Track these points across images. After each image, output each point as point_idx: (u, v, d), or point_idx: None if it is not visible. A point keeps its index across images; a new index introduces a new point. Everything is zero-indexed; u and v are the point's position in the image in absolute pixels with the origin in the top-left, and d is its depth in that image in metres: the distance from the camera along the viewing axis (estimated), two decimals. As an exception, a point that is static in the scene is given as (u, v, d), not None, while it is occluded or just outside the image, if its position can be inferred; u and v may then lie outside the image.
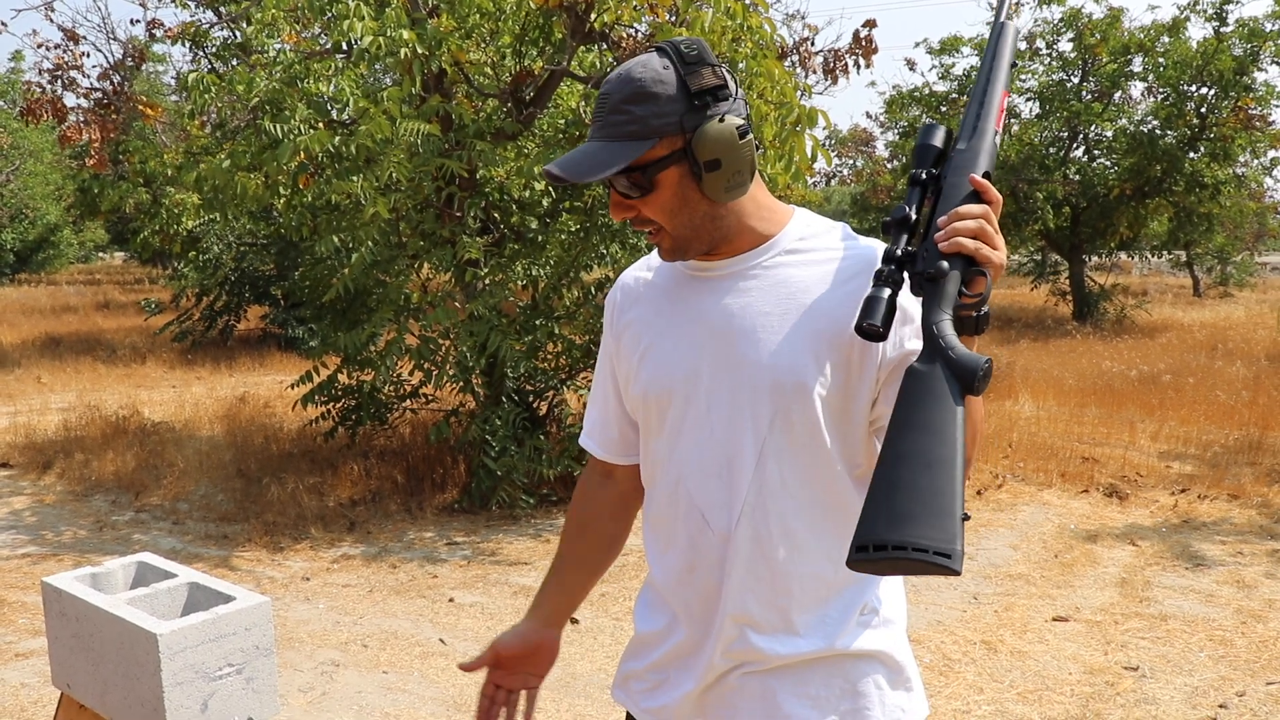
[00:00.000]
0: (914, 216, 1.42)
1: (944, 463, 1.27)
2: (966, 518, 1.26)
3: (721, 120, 1.46)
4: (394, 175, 5.97)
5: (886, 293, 1.37)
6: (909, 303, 1.50)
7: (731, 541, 1.55)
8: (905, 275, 1.40)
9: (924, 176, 1.44)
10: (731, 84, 1.49)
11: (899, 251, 1.40)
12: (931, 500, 1.25)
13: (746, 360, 1.54)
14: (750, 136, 1.49)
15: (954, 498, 1.25)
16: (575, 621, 4.97)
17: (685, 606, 1.63)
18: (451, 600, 5.33)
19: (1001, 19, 1.54)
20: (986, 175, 1.42)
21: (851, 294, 1.52)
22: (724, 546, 1.56)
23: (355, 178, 5.99)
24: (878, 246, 1.58)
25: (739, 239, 1.57)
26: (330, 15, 6.40)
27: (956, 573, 1.22)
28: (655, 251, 1.68)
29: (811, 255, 1.57)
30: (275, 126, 6.02)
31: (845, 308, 1.52)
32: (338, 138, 5.93)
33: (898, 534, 1.24)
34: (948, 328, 1.34)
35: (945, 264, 1.36)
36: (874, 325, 1.36)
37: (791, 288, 1.55)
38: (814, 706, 1.57)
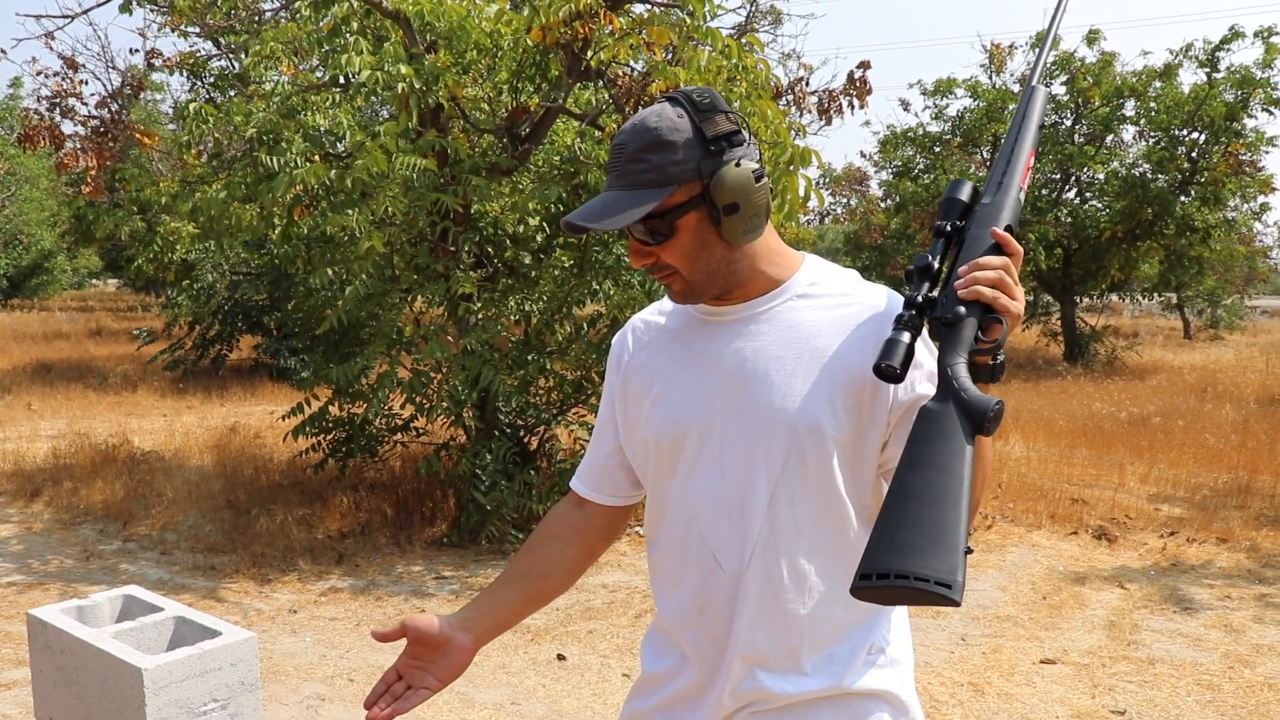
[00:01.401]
0: (936, 265, 1.45)
1: (950, 498, 1.31)
2: (969, 551, 1.29)
3: (738, 165, 1.50)
4: (389, 209, 5.99)
5: (906, 337, 1.40)
6: (922, 349, 1.53)
7: (743, 582, 1.57)
8: (924, 321, 1.43)
9: (949, 228, 1.48)
10: (745, 129, 1.53)
11: (920, 298, 1.43)
12: (936, 533, 1.28)
13: (760, 403, 1.56)
14: (766, 180, 1.53)
15: (958, 532, 1.28)
16: (562, 659, 4.96)
17: (695, 646, 1.63)
18: (438, 635, 5.30)
19: (1034, 83, 1.58)
20: (1009, 229, 1.45)
21: (862, 339, 1.55)
22: (735, 587, 1.57)
23: (351, 211, 6.01)
24: (886, 292, 1.61)
25: (751, 283, 1.60)
26: (328, 49, 6.45)
27: (956, 603, 1.25)
28: (666, 296, 1.70)
29: (823, 301, 1.60)
30: (271, 159, 6.05)
31: (857, 352, 1.55)
32: (334, 171, 5.96)
33: (901, 564, 1.27)
34: (962, 370, 1.38)
35: (963, 309, 1.39)
36: (892, 367, 1.39)
37: (803, 332, 1.58)
38: None
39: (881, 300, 1.59)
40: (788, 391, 1.55)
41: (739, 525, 1.57)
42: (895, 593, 1.28)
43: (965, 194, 1.49)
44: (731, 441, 1.58)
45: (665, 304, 1.74)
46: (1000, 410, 1.35)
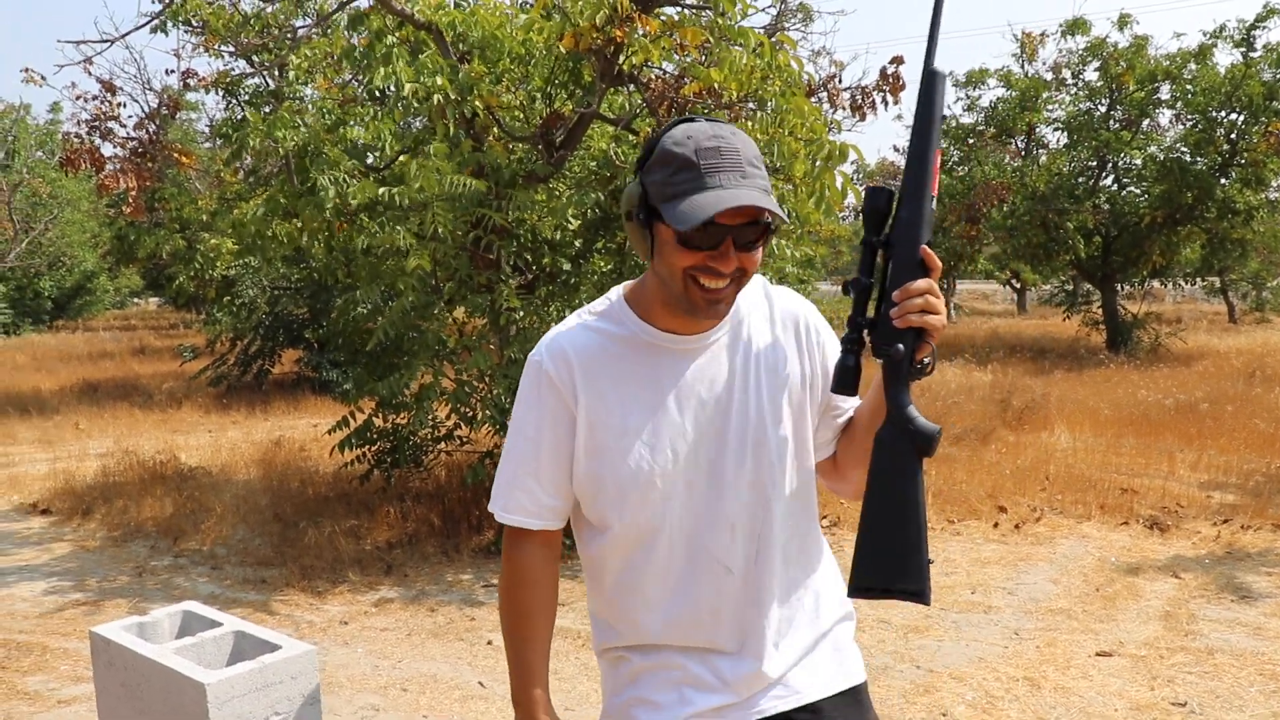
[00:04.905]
0: (871, 282, 1.65)
1: (913, 520, 1.67)
2: (930, 561, 1.67)
3: None
4: (437, 228, 6.01)
5: (852, 360, 1.66)
6: (833, 343, 1.83)
7: (748, 580, 1.78)
8: (866, 338, 1.66)
9: (874, 241, 1.65)
10: None
11: (859, 319, 1.66)
12: (907, 552, 1.67)
13: (735, 424, 1.75)
14: None
15: (922, 550, 1.66)
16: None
17: (702, 654, 1.79)
18: (490, 643, 5.33)
19: (931, 66, 1.61)
20: (928, 244, 1.64)
21: (792, 344, 1.80)
22: (741, 587, 1.78)
23: (399, 228, 6.04)
24: (790, 294, 1.85)
25: None
26: (366, 63, 6.49)
27: (927, 604, 1.67)
28: (587, 319, 1.79)
29: (752, 315, 1.80)
30: (316, 174, 6.09)
31: (789, 357, 1.79)
32: (381, 189, 5.98)
33: (884, 580, 1.68)
34: (906, 398, 1.66)
35: (900, 346, 1.63)
36: (847, 391, 1.69)
37: (751, 348, 1.78)
38: (815, 676, 1.84)
39: (793, 304, 1.83)
40: (758, 409, 1.75)
41: (739, 535, 1.76)
42: (881, 597, 1.69)
43: (883, 204, 1.64)
44: (721, 462, 1.75)
45: (590, 322, 1.78)
46: (939, 435, 1.65)
